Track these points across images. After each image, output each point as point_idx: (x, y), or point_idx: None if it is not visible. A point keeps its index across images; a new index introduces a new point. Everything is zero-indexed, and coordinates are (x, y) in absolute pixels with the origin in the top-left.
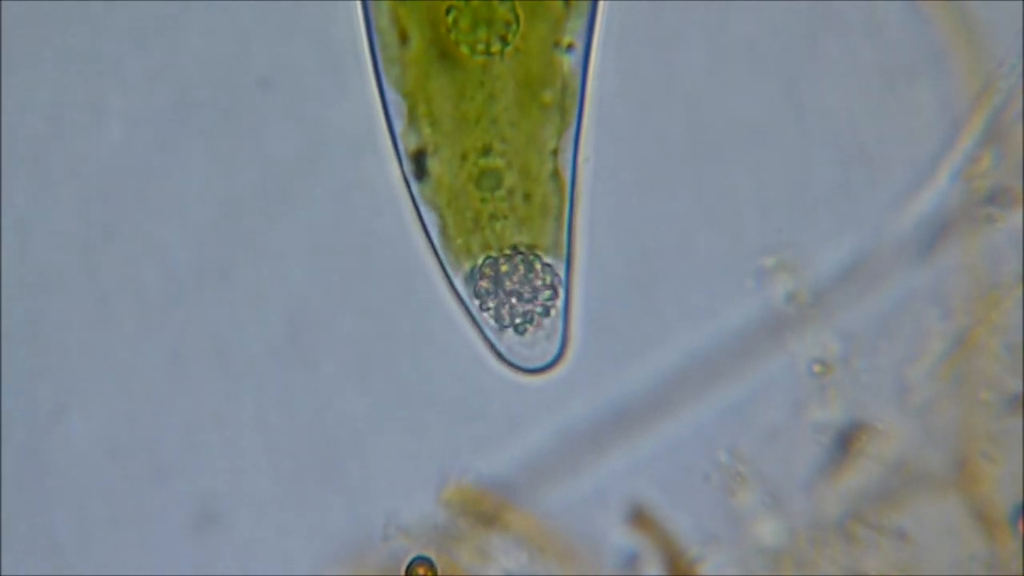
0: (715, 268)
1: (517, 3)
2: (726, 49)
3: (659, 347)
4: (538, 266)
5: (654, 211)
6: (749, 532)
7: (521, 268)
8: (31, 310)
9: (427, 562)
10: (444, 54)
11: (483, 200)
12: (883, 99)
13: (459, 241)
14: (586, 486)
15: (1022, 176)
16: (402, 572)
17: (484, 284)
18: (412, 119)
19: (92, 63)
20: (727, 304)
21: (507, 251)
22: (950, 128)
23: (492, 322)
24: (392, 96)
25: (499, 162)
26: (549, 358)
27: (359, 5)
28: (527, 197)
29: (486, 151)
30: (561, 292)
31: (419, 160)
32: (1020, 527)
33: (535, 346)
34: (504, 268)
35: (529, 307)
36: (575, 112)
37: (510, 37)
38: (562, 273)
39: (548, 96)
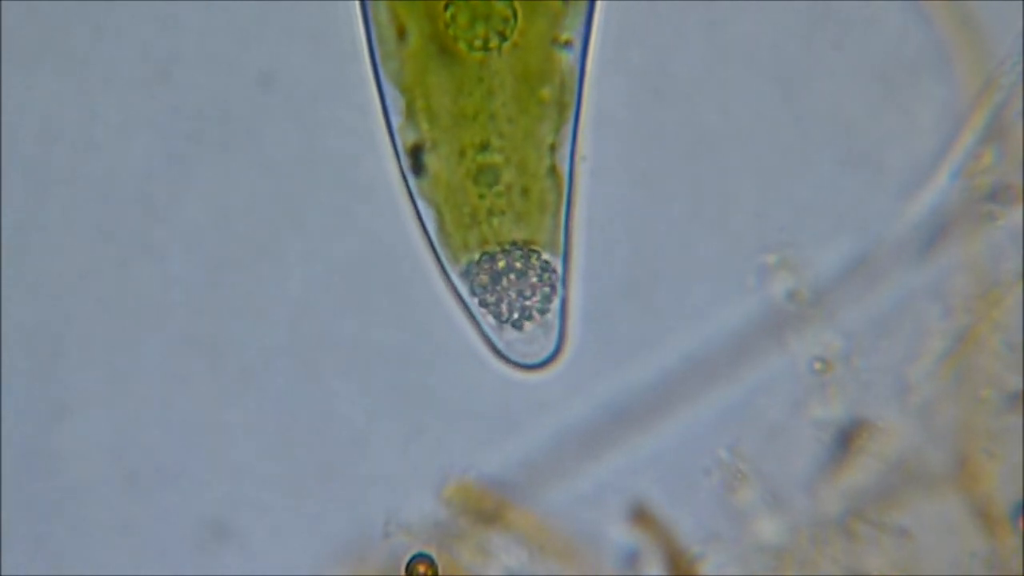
0: (715, 265)
1: None
2: (725, 45)
3: (658, 345)
4: (535, 262)
5: (653, 207)
6: (750, 530)
7: (518, 264)
8: (30, 314)
9: (428, 559)
10: (442, 50)
11: (481, 196)
12: (884, 97)
13: (456, 237)
14: (587, 484)
15: (1022, 173)
16: (403, 570)
17: (481, 279)
18: (410, 114)
19: (92, 63)
20: (727, 302)
21: (505, 247)
22: (951, 126)
23: (490, 318)
24: (390, 91)
25: (497, 158)
26: (546, 354)
27: (357, 2)
28: (525, 193)
29: (484, 147)
30: (559, 288)
31: (416, 155)
32: (1020, 525)
33: (533, 342)
34: (501, 264)
35: (526, 303)
36: (573, 108)
37: (508, 33)
38: (559, 269)
39: (546, 92)
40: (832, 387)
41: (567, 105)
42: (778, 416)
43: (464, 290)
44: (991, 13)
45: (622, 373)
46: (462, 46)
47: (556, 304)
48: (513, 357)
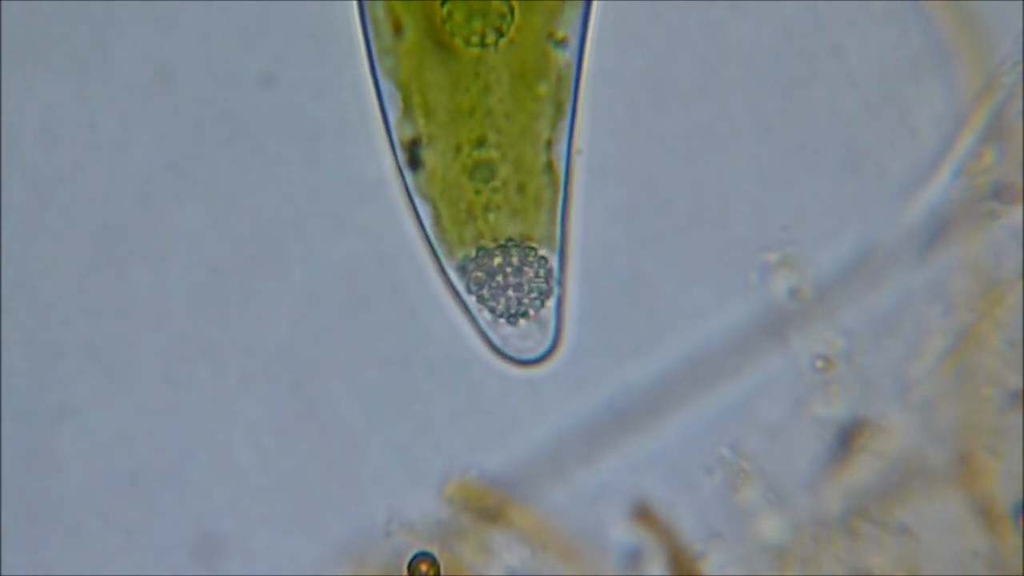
0: (716, 263)
1: None
2: (724, 43)
3: (658, 342)
4: (531, 258)
5: (651, 204)
6: (752, 529)
7: (515, 259)
8: (30, 314)
9: (430, 558)
10: (439, 45)
11: (477, 192)
12: (886, 95)
13: (453, 233)
14: (589, 482)
15: (1023, 172)
16: (405, 569)
17: (477, 275)
18: (407, 110)
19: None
20: (728, 299)
21: (501, 242)
22: (952, 125)
23: (486, 313)
24: (387, 87)
25: (493, 154)
26: (543, 350)
27: None
28: (521, 189)
29: (480, 143)
30: (554, 284)
31: (413, 150)
32: (1022, 523)
33: (529, 337)
34: (497, 260)
35: (522, 299)
36: (570, 104)
37: (505, 29)
38: (555, 265)
39: (543, 88)
40: (834, 385)
41: (563, 101)
42: (780, 415)
43: (460, 285)
44: (992, 13)
45: (620, 371)
46: (459, 42)
47: (552, 300)
48: (509, 352)
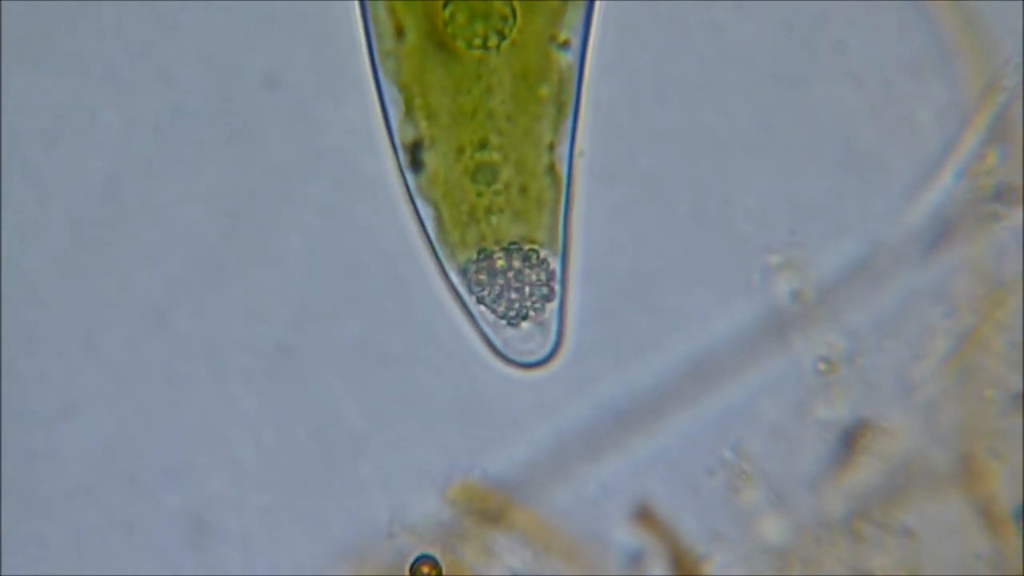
0: (718, 265)
1: None
2: (726, 44)
3: (660, 344)
4: (533, 260)
5: (654, 207)
6: (754, 530)
7: (516, 262)
8: (26, 316)
9: (432, 560)
10: (441, 48)
11: (479, 194)
12: (888, 97)
13: (455, 234)
14: (591, 484)
15: None
16: (407, 570)
17: (479, 277)
18: (409, 112)
19: (92, 63)
20: (731, 301)
21: (504, 245)
22: (954, 126)
23: (488, 315)
24: (389, 89)
25: (495, 156)
26: (545, 352)
27: (356, 0)
28: (523, 191)
29: (483, 145)
30: (556, 286)
31: (415, 152)
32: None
33: (531, 340)
34: (500, 262)
35: (524, 301)
36: (572, 106)
37: (507, 31)
38: (558, 267)
39: (545, 90)
40: (836, 387)
41: (565, 103)
42: (782, 416)
43: (462, 287)
44: (994, 14)
45: (623, 373)
46: (461, 44)
47: (554, 302)
48: (511, 355)
